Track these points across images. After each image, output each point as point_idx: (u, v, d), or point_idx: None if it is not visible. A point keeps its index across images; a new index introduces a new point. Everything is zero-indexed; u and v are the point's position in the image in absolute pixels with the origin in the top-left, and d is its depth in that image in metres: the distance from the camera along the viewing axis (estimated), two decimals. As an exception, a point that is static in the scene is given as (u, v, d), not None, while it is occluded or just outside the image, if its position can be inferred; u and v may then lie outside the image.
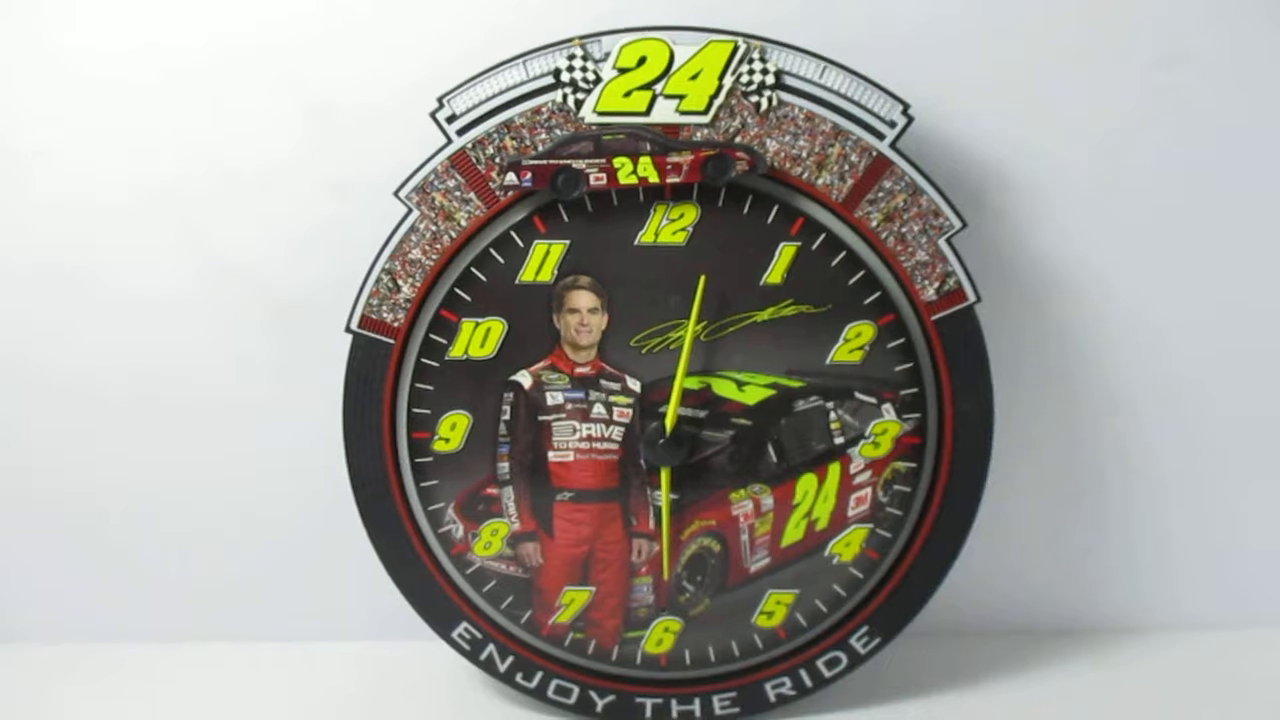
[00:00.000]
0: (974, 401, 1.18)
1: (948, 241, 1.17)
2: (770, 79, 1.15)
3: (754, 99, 1.15)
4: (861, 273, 1.15)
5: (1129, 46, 1.25)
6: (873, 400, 1.19)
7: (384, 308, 1.16)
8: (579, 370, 1.18)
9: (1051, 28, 1.26)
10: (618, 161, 1.13)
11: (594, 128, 1.15)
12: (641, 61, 1.14)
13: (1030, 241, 1.32)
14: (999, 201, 1.30)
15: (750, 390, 1.19)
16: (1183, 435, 1.35)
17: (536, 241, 1.14)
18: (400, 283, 1.16)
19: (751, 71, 1.15)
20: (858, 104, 1.15)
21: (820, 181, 1.14)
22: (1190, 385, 1.34)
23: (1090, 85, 1.28)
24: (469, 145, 1.16)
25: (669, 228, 1.16)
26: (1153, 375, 1.33)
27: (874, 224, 1.14)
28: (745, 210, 1.14)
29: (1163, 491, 1.37)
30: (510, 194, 1.13)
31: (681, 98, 1.15)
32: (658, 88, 1.14)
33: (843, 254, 1.15)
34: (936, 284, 1.18)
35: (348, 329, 1.16)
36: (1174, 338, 1.34)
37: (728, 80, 1.14)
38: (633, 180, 1.14)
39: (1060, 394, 1.33)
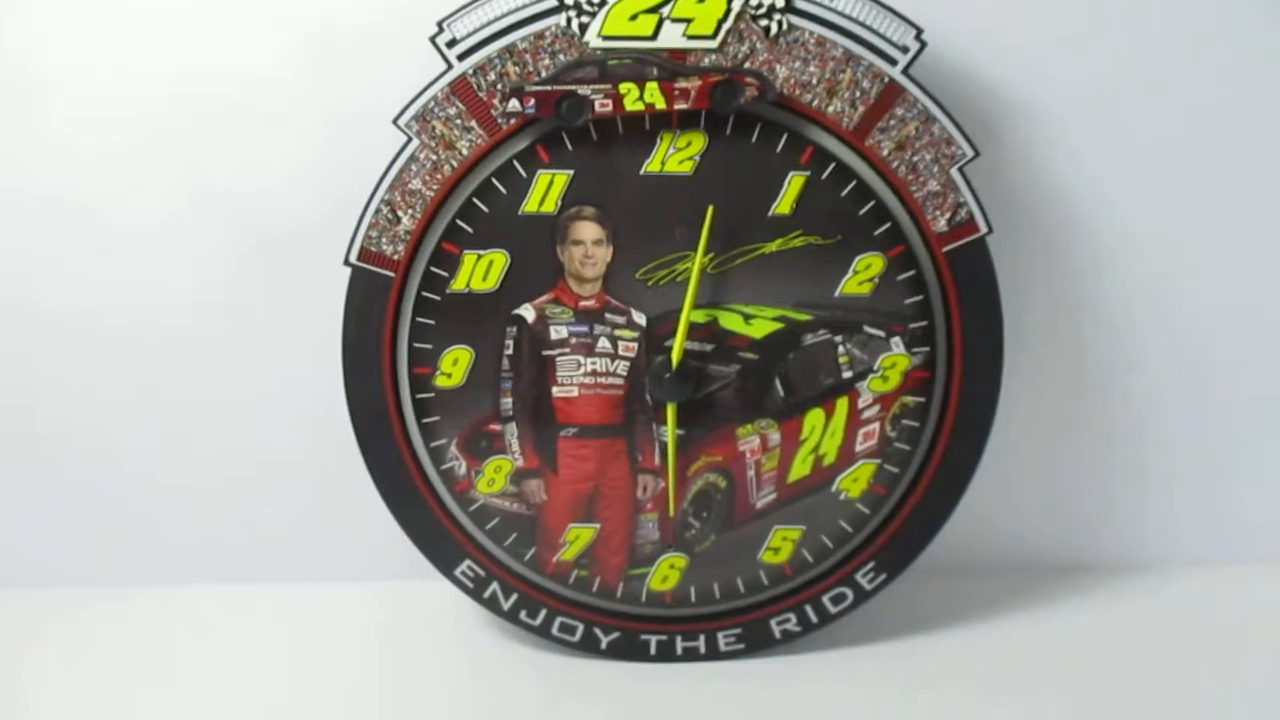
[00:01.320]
0: (984, 335, 1.17)
1: (960, 171, 1.16)
2: (780, 2, 1.12)
3: (763, 23, 1.13)
4: (871, 203, 1.14)
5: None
6: (881, 334, 1.17)
7: (383, 240, 1.14)
8: (583, 304, 1.17)
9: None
10: (623, 87, 1.11)
11: (599, 53, 1.13)
12: None
13: (1043, 172, 1.30)
14: (1012, 130, 1.28)
15: (758, 324, 1.18)
16: (1190, 373, 1.34)
17: (540, 171, 1.12)
18: (400, 214, 1.14)
19: None
20: (870, 29, 1.13)
21: (830, 109, 1.12)
22: (1200, 321, 1.33)
23: (1109, 5, 1.26)
24: (470, 71, 1.13)
25: (675, 156, 1.14)
26: (1163, 312, 1.32)
27: (885, 153, 1.13)
28: (754, 139, 1.12)
29: (1167, 429, 1.36)
30: (513, 122, 1.11)
31: (689, 21, 1.12)
32: (664, 11, 1.12)
33: (853, 184, 1.14)
34: (948, 215, 1.17)
35: (346, 262, 1.14)
36: (1186, 272, 1.33)
37: (736, 3, 1.12)
38: (639, 107, 1.11)
39: (1070, 329, 1.32)
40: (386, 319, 1.17)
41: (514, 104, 1.11)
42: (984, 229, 1.16)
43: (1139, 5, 1.27)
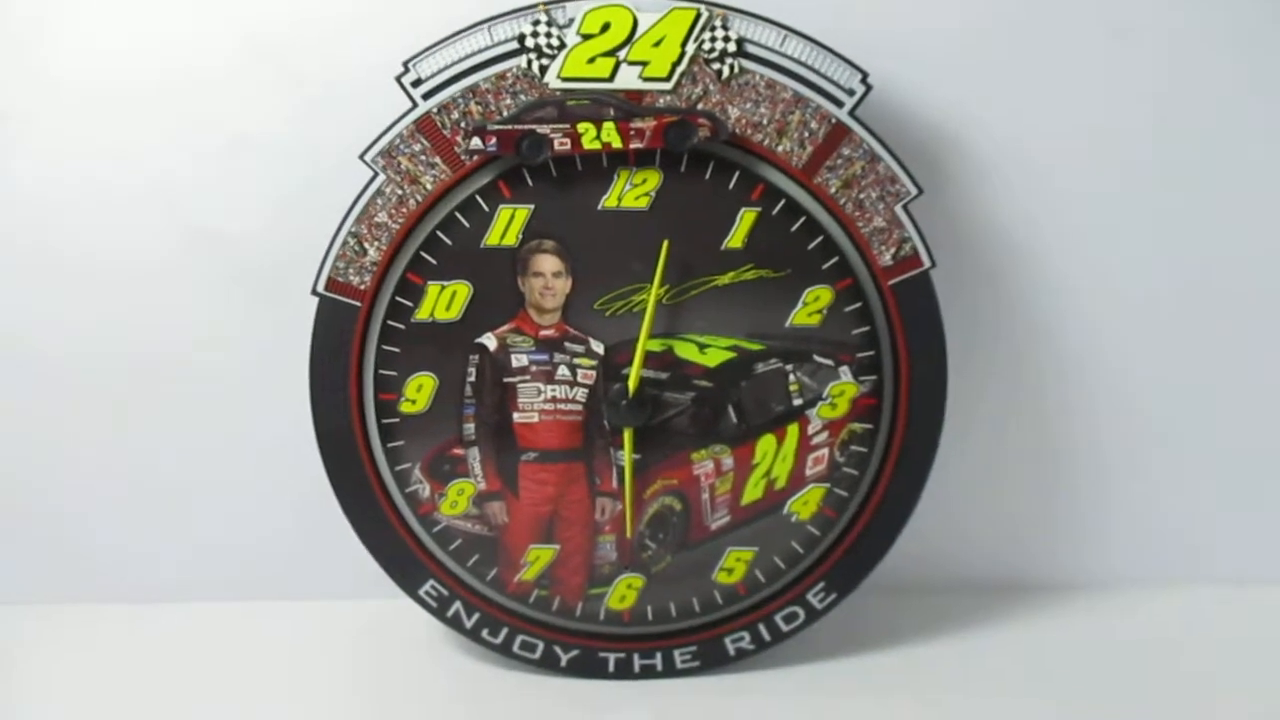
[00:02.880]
0: (928, 364, 1.19)
1: (904, 208, 1.20)
2: (732, 46, 1.16)
3: (716, 66, 1.17)
4: (820, 238, 1.17)
5: (1086, 14, 1.28)
6: (830, 363, 1.20)
7: (350, 271, 1.17)
8: (544, 333, 1.20)
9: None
10: (581, 127, 1.15)
11: (558, 93, 1.16)
12: (605, 28, 1.15)
13: (984, 208, 1.35)
14: (954, 168, 1.33)
15: (711, 353, 1.21)
16: (1121, 396, 1.37)
17: (501, 206, 1.15)
18: (366, 246, 1.17)
19: (714, 39, 1.16)
20: (818, 72, 1.17)
21: (781, 148, 1.15)
22: (1136, 354, 1.36)
23: (1049, 53, 1.31)
24: (434, 110, 1.16)
25: (632, 193, 1.17)
26: (1098, 343, 1.36)
27: (833, 190, 1.16)
28: (707, 176, 1.15)
29: (1102, 455, 1.40)
30: (475, 158, 1.14)
31: (645, 64, 1.16)
32: (621, 54, 1.15)
33: (802, 219, 1.17)
34: (893, 249, 1.20)
35: (314, 292, 1.16)
36: (1116, 299, 1.37)
37: (690, 47, 1.16)
38: (596, 146, 1.15)
39: (1010, 359, 1.36)
40: (353, 347, 1.20)
41: (476, 142, 1.15)
42: (927, 263, 1.20)
43: (1079, 50, 1.32)
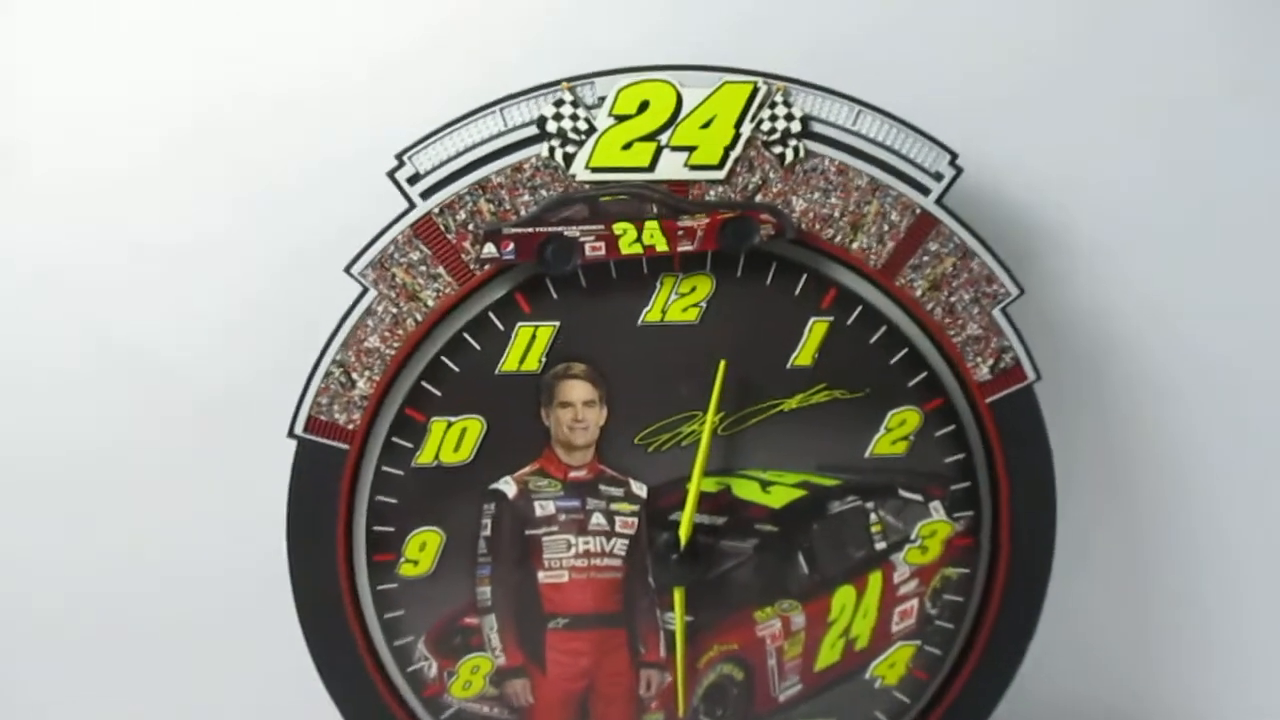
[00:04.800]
0: (1034, 496, 1.05)
1: (1003, 311, 1.02)
2: (795, 125, 0.99)
3: (777, 150, 0.99)
4: (904, 350, 1.02)
5: (1194, 94, 1.12)
6: (919, 498, 1.05)
7: (335, 407, 0.99)
8: (573, 474, 1.02)
9: (1107, 69, 1.12)
10: (619, 228, 0.97)
11: (588, 187, 0.98)
12: (644, 107, 0.97)
13: (1095, 308, 1.17)
14: (1057, 262, 1.15)
15: (777, 491, 1.04)
16: (1260, 533, 1.21)
17: (520, 324, 0.99)
18: (355, 376, 0.99)
19: (774, 117, 0.99)
20: (898, 153, 1.00)
21: (856, 245, 1.00)
22: (1272, 457, 1.19)
23: (1153, 133, 1.15)
24: (436, 210, 0.98)
25: (679, 303, 1.00)
26: (1228, 465, 1.19)
27: (918, 293, 1.01)
28: (769, 281, 1.00)
29: (1236, 596, 1.22)
30: (488, 268, 0.97)
31: (692, 150, 0.98)
32: (663, 138, 0.98)
33: (882, 329, 1.02)
34: (991, 361, 1.03)
35: (291, 434, 0.98)
36: (1259, 409, 1.19)
37: (746, 128, 0.98)
38: (637, 250, 0.97)
39: (1126, 483, 1.19)
40: (340, 499, 1.00)
41: (489, 248, 0.96)
42: (1032, 376, 1.04)
43: (1197, 115, 1.15)
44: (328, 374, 0.99)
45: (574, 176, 0.98)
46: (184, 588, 1.18)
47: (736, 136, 0.99)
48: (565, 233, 0.97)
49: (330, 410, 0.99)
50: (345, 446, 0.99)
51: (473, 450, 1.01)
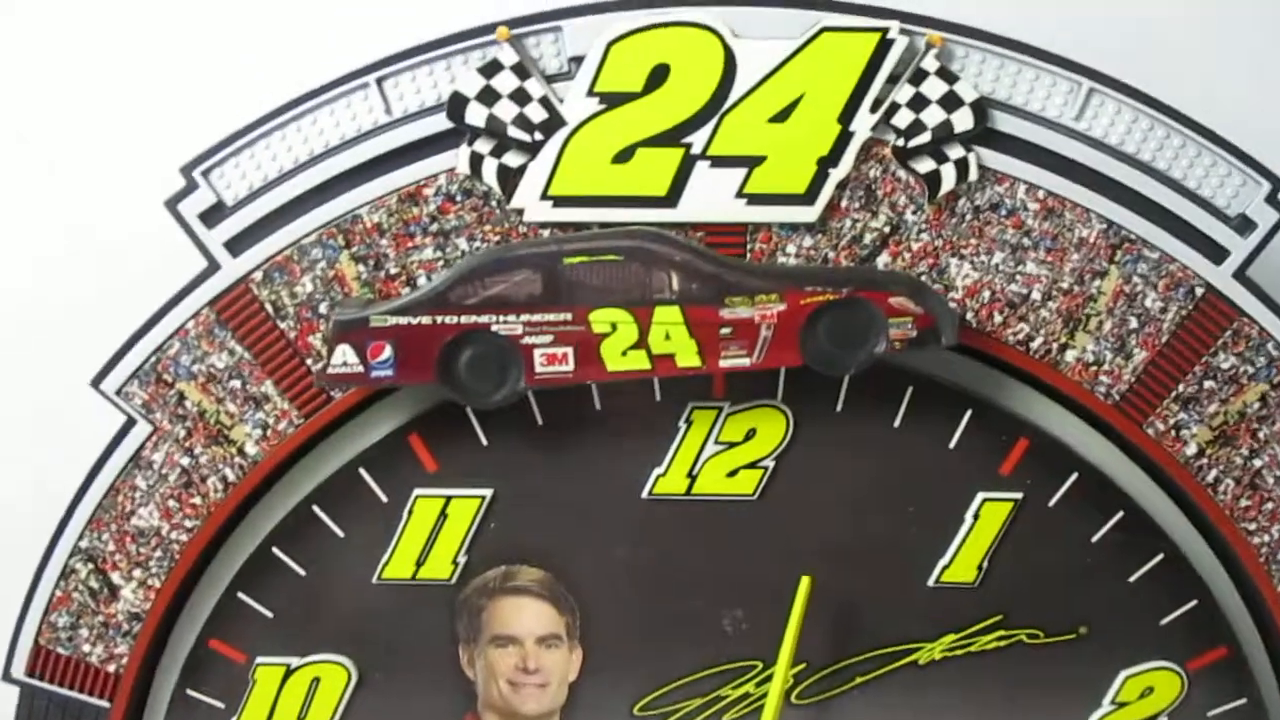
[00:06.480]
0: None
1: (1354, 491, 0.63)
2: (962, 118, 0.60)
3: (922, 165, 0.59)
4: (1158, 558, 0.66)
5: None
6: None
7: (83, 632, 0.66)
8: (518, 774, 0.66)
9: None
10: (600, 319, 0.58)
11: (545, 235, 0.60)
12: (658, 77, 0.57)
13: None
14: None
15: None
16: None
17: (418, 492, 0.64)
18: (115, 579, 0.65)
19: (918, 101, 0.59)
20: (1168, 180, 0.60)
21: (1072, 356, 0.62)
22: None
23: None
24: (257, 275, 0.64)
25: (721, 461, 0.63)
26: None
27: (1190, 450, 0.64)
28: (897, 421, 0.64)
29: None
30: (348, 391, 0.62)
31: (754, 164, 0.59)
32: (694, 139, 0.60)
33: (1117, 516, 0.65)
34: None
35: (6, 676, 0.67)
36: None
37: (862, 121, 0.58)
38: (635, 366, 0.58)
39: None
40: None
41: (344, 354, 0.57)
42: None
43: None
44: (67, 573, 0.65)
45: (517, 213, 0.59)
46: None
47: (842, 138, 0.57)
48: (495, 328, 0.55)
49: (74, 637, 0.66)
50: (103, 704, 0.66)
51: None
